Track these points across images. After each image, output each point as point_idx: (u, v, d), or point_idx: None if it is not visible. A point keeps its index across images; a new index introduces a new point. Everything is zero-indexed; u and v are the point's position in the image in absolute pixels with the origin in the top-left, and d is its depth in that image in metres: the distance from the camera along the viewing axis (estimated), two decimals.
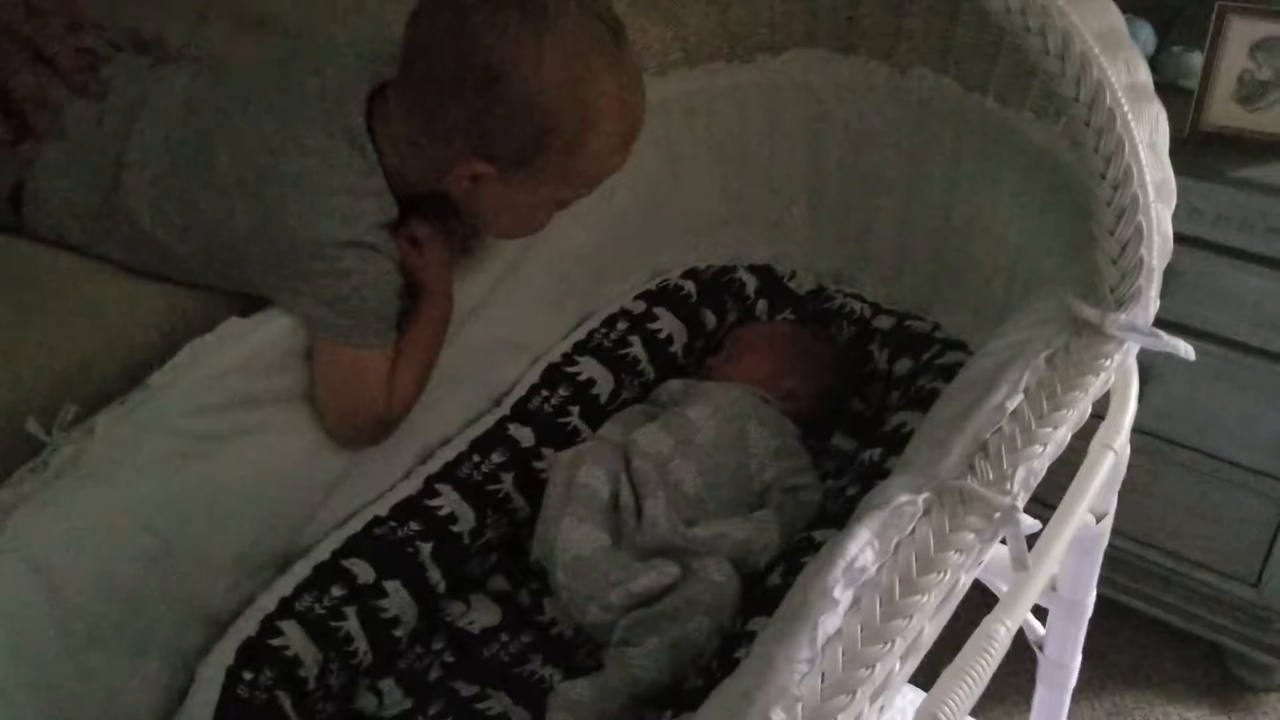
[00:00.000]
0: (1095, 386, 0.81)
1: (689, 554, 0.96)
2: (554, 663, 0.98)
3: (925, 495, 0.73)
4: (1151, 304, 0.84)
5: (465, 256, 1.07)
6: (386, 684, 0.97)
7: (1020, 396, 0.79)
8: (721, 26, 1.17)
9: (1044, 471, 0.77)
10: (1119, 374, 0.89)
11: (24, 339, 0.92)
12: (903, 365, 1.14)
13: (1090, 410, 0.83)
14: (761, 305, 1.25)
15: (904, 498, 0.72)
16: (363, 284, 0.93)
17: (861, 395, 1.18)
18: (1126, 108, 0.80)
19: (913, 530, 0.71)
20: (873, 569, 0.69)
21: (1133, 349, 0.86)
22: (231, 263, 0.96)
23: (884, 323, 1.19)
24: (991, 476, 0.74)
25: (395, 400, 0.98)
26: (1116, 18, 0.87)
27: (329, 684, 0.92)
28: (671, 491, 1.00)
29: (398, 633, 0.97)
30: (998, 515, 0.72)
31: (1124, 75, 0.83)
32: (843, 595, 0.67)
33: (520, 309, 1.13)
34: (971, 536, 0.71)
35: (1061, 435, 0.78)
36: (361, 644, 0.94)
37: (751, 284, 1.25)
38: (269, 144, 0.95)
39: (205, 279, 0.99)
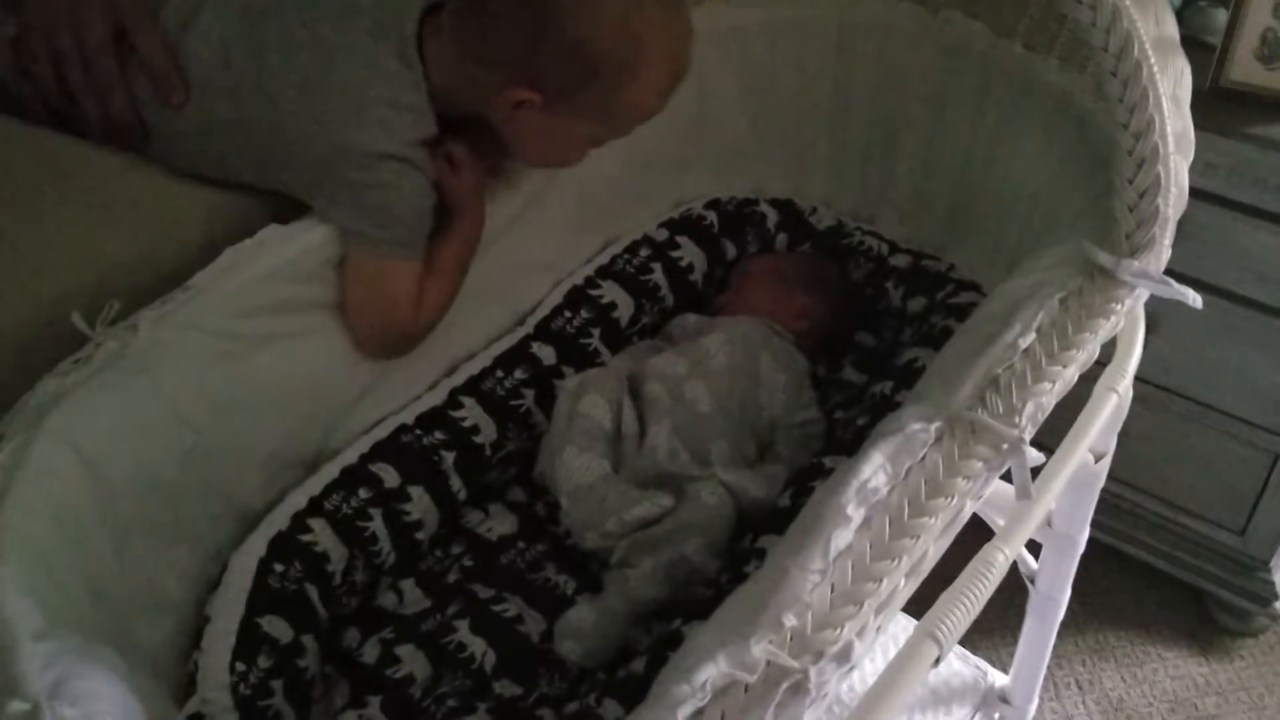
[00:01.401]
0: (1105, 329, 0.84)
1: (685, 478, 1.00)
2: (567, 571, 1.02)
3: (937, 424, 0.76)
4: (1164, 252, 0.87)
5: (494, 178, 1.09)
6: (407, 584, 1.01)
7: (1033, 335, 0.82)
8: None
9: (1051, 408, 0.81)
10: (1127, 319, 0.92)
11: (70, 234, 0.94)
12: (917, 303, 1.17)
13: (1098, 353, 0.86)
14: (781, 239, 1.28)
15: (917, 425, 0.76)
16: (397, 196, 0.96)
17: (874, 330, 1.21)
18: (1153, 60, 0.83)
19: (923, 457, 0.75)
20: (884, 490, 0.72)
21: (1142, 295, 0.89)
22: (276, 165, 0.98)
23: (900, 261, 1.22)
24: (1001, 409, 0.78)
25: (423, 312, 1.01)
26: None
27: (354, 580, 0.97)
28: (685, 410, 1.04)
29: (419, 535, 1.01)
30: (1005, 446, 0.76)
31: (1152, 27, 0.85)
32: (855, 513, 0.70)
33: (546, 231, 1.15)
34: (979, 465, 0.75)
35: (1070, 374, 0.82)
36: (385, 544, 0.99)
37: (772, 217, 1.28)
38: (320, 48, 0.96)
39: (249, 179, 1.01)
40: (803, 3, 1.18)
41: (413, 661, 0.94)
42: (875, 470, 0.73)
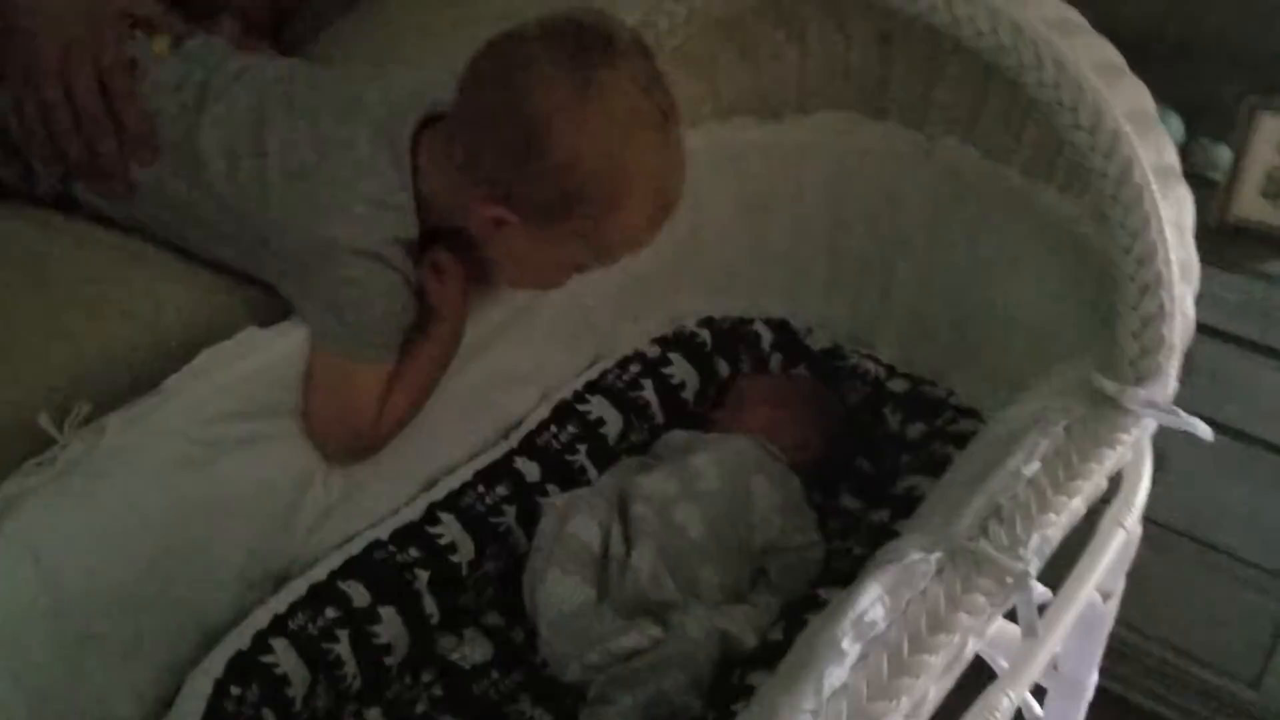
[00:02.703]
0: (1112, 460, 0.81)
1: (670, 607, 0.95)
2: (544, 704, 0.96)
3: (938, 555, 0.72)
4: (1171, 382, 0.84)
5: (482, 286, 1.07)
6: (373, 713, 0.95)
7: (1037, 464, 0.79)
8: (754, 85, 1.18)
9: (1057, 541, 0.77)
10: (1134, 452, 0.89)
11: (45, 332, 0.91)
12: (915, 429, 1.14)
13: (1105, 485, 0.83)
14: (776, 359, 1.25)
15: (916, 555, 0.72)
16: (368, 295, 0.94)
17: (871, 457, 1.17)
18: (1154, 184, 0.81)
19: (924, 589, 0.71)
20: (882, 625, 0.68)
21: (1149, 426, 0.86)
22: (257, 246, 0.97)
23: (897, 386, 1.19)
24: (1006, 541, 0.74)
25: (384, 419, 0.97)
26: (1147, 101, 0.88)
27: (315, 706, 0.91)
28: (674, 535, 0.99)
29: (388, 660, 0.96)
30: (1010, 580, 0.72)
31: (1153, 155, 0.84)
32: (851, 648, 0.66)
33: (535, 343, 1.13)
34: (983, 600, 0.71)
35: (1077, 505, 0.78)
36: (351, 668, 0.93)
37: (767, 337, 1.25)
38: (317, 140, 0.96)
39: (228, 257, 1.00)
40: (801, 126, 1.18)
41: None
42: (873, 602, 0.69)
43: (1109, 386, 0.83)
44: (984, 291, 1.12)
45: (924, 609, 0.69)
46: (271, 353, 0.94)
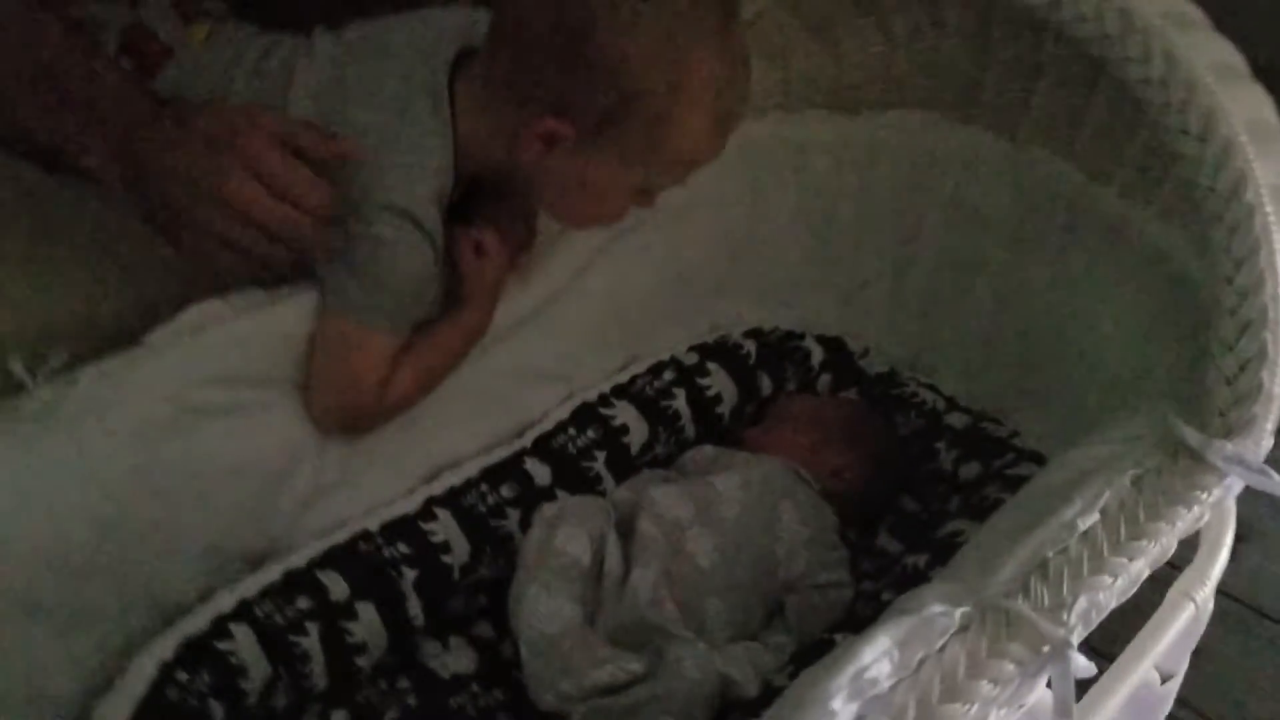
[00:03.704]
0: (1185, 521, 0.69)
1: (669, 636, 0.85)
2: None
3: (964, 609, 0.62)
4: (1266, 438, 0.73)
5: (513, 272, 0.99)
6: (339, 715, 0.87)
7: (1096, 516, 0.68)
8: (831, 74, 1.09)
9: (1109, 609, 0.66)
10: (1214, 515, 0.77)
11: (36, 277, 0.86)
12: (970, 469, 1.03)
13: (1173, 552, 0.71)
14: (825, 380, 1.15)
15: (938, 608, 0.62)
16: (390, 255, 0.86)
17: (918, 495, 1.06)
18: (1269, 207, 0.70)
19: (943, 647, 0.60)
20: (886, 684, 0.58)
21: (1234, 487, 0.74)
22: None
23: (957, 420, 1.08)
24: (1047, 602, 0.63)
25: (389, 395, 0.90)
26: (1270, 111, 0.77)
27: (272, 703, 0.84)
28: (682, 561, 0.90)
29: (361, 661, 0.88)
30: (1047, 648, 0.61)
31: (1271, 174, 0.73)
32: (844, 708, 0.56)
33: (562, 339, 1.04)
34: (1011, 667, 0.60)
35: (1137, 569, 0.67)
36: (318, 665, 0.85)
37: (818, 355, 1.15)
38: (344, 85, 0.88)
39: None
40: (876, 123, 1.08)
41: None
42: (878, 657, 0.58)
43: (1191, 436, 0.71)
44: (1063, 323, 1.01)
45: (939, 671, 0.59)
46: (272, 315, 0.87)
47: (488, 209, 0.96)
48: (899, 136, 1.08)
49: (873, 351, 1.16)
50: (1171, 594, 0.80)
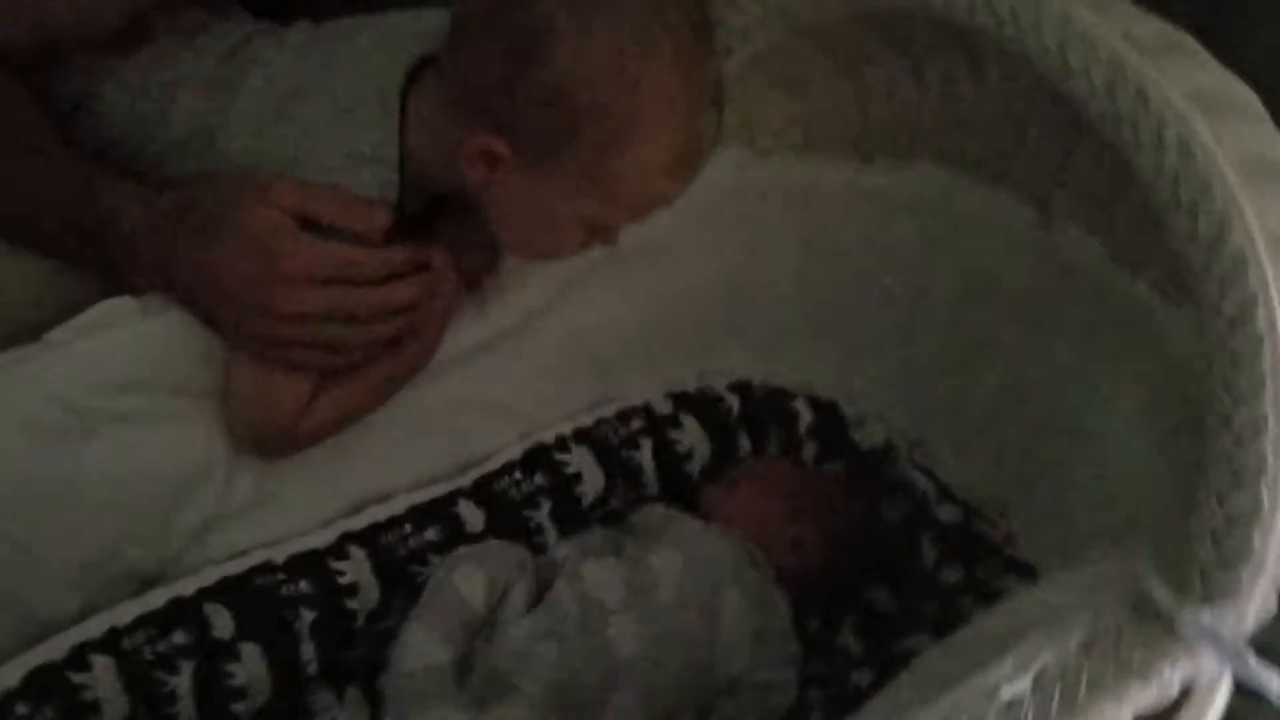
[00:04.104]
0: (1137, 699, 0.58)
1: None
2: None
3: None
4: (1252, 611, 0.61)
5: (472, 292, 0.91)
6: None
7: (1025, 684, 0.57)
8: (851, 116, 0.98)
9: None
10: (1193, 704, 0.65)
11: None
12: (952, 573, 0.92)
13: None
14: (810, 448, 1.04)
15: None
16: None
17: (894, 592, 0.96)
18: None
19: None
20: None
21: (1214, 669, 0.62)
22: None
23: (947, 513, 0.97)
24: None
25: (306, 420, 0.83)
26: None
27: None
28: (596, 646, 0.81)
29: (238, 707, 0.81)
30: None
31: None
32: None
33: (521, 372, 0.96)
34: None
35: None
36: (186, 708, 0.79)
37: (807, 418, 1.04)
38: (295, 80, 0.82)
39: None
40: (894, 174, 0.96)
41: None
42: None
43: (1162, 596, 0.60)
44: (1072, 420, 0.89)
45: None
46: (186, 318, 0.80)
47: (450, 227, 0.88)
48: (916, 191, 0.96)
49: (869, 422, 1.04)
50: None
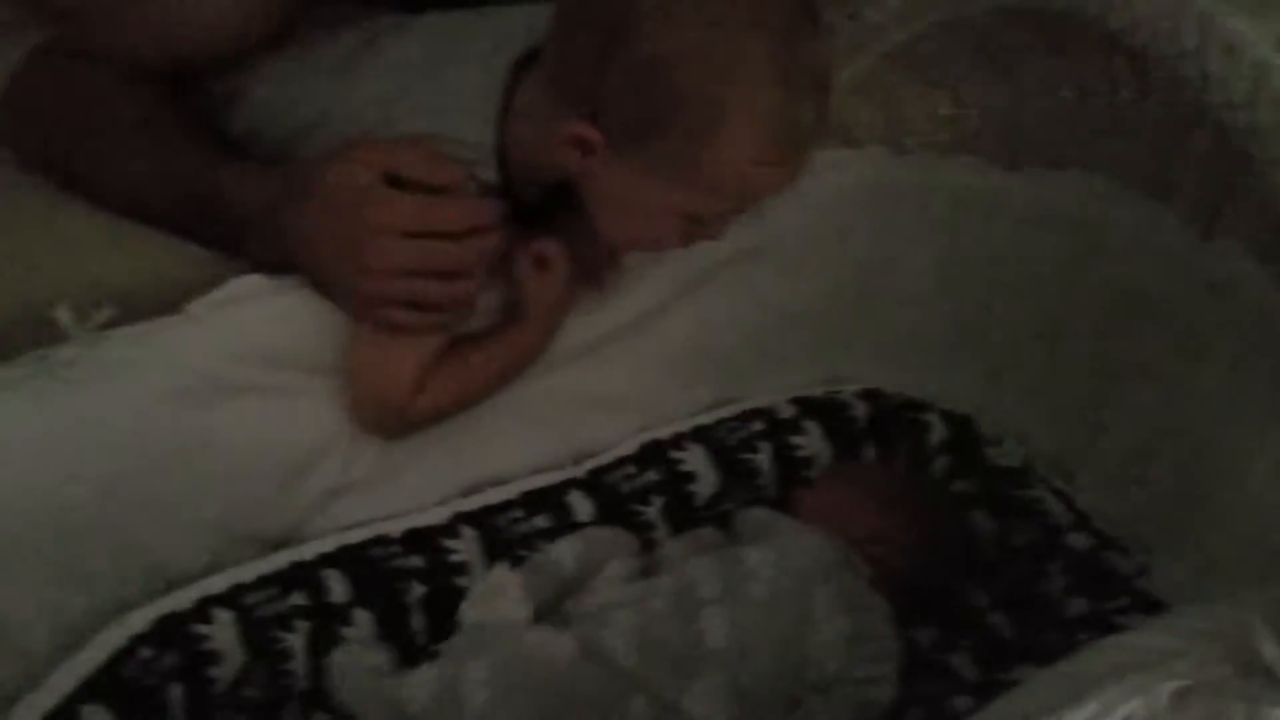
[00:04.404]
0: None
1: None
2: None
3: None
4: None
5: (591, 288, 0.92)
6: (321, 717, 0.84)
7: None
8: (1008, 117, 0.94)
9: None
10: None
11: (101, 229, 0.88)
12: (1076, 605, 0.87)
13: None
14: (941, 463, 1.00)
15: None
16: None
17: (1018, 619, 0.91)
18: None
19: None
20: None
21: None
22: None
23: (1078, 542, 0.91)
24: None
25: (421, 400, 0.85)
26: None
27: (243, 694, 0.81)
28: (685, 634, 0.81)
29: None
30: None
31: None
32: None
33: (642, 368, 0.96)
34: None
35: None
36: (300, 665, 0.82)
37: (939, 433, 1.01)
38: (414, 67, 0.85)
39: None
40: (1043, 182, 0.92)
41: None
42: None
43: (1270, 652, 0.55)
44: (1221, 453, 0.84)
45: None
46: (314, 297, 0.84)
47: (569, 220, 0.89)
48: (1067, 200, 0.92)
49: (1007, 441, 1.00)
50: None
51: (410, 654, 0.87)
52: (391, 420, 0.87)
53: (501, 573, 0.85)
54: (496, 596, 0.83)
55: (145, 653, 0.78)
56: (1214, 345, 0.84)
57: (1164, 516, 0.89)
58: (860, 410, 1.02)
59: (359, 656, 0.82)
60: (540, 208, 0.88)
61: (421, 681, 0.78)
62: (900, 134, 0.96)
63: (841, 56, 0.83)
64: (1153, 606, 0.83)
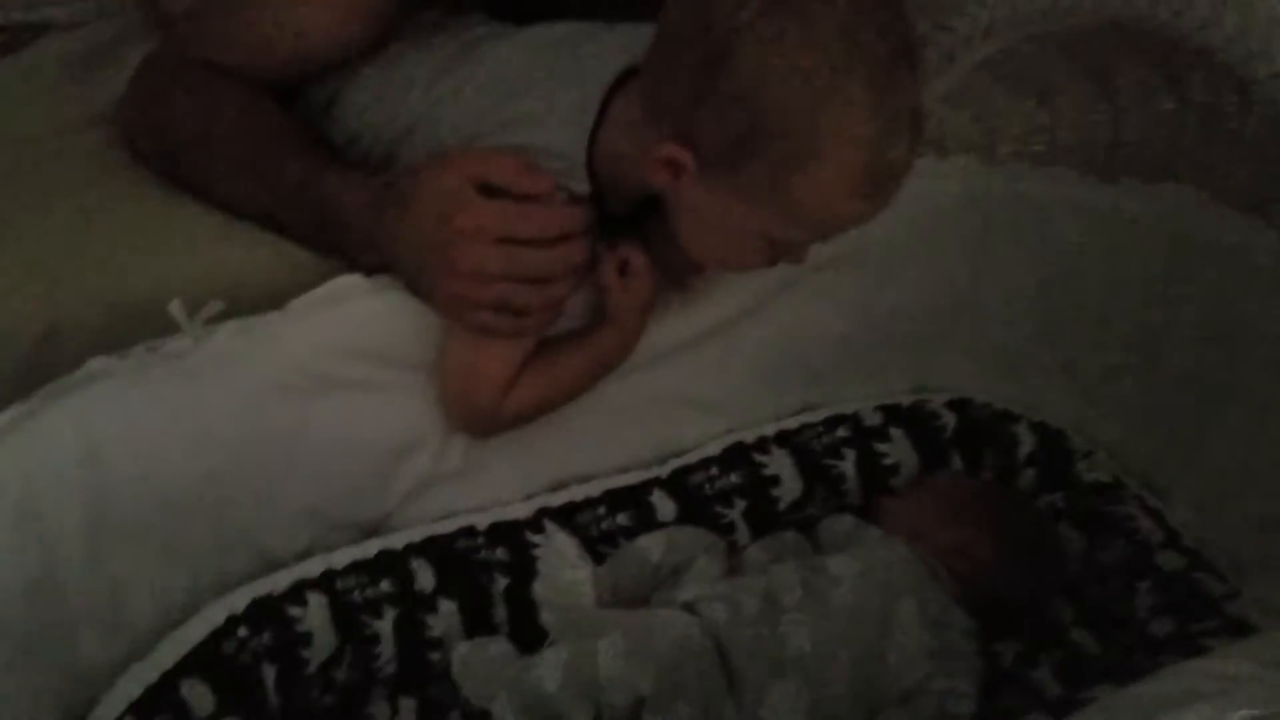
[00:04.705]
0: None
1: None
2: None
3: None
4: None
5: (679, 292, 0.93)
6: (408, 703, 0.87)
7: None
8: (1105, 127, 0.93)
9: None
10: None
11: (196, 238, 0.92)
12: (1163, 625, 0.86)
13: None
14: (1028, 475, 1.00)
15: None
16: None
17: (1102, 637, 0.90)
18: None
19: None
20: None
21: None
22: None
23: (1169, 561, 0.90)
24: None
25: (510, 402, 0.87)
26: None
27: (334, 676, 0.85)
28: (768, 640, 0.81)
29: (434, 656, 0.87)
30: None
31: None
32: None
33: (729, 372, 0.97)
34: None
35: None
36: (387, 649, 0.86)
37: (1028, 445, 1.00)
38: (516, 77, 0.87)
39: None
40: (1134, 195, 0.91)
41: None
42: None
43: None
44: None
45: None
46: (408, 297, 0.86)
47: (656, 224, 0.91)
48: (1164, 214, 0.90)
49: (1098, 454, 0.98)
50: None
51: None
52: (481, 421, 0.90)
53: (563, 539, 0.88)
54: (559, 560, 0.87)
55: (242, 632, 0.82)
56: None
57: (1258, 538, 0.87)
58: (948, 420, 1.01)
59: (483, 647, 0.85)
60: (628, 217, 0.89)
61: (553, 662, 0.80)
62: (993, 144, 0.95)
63: (933, 67, 0.83)
64: (1242, 629, 0.82)
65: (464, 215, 0.80)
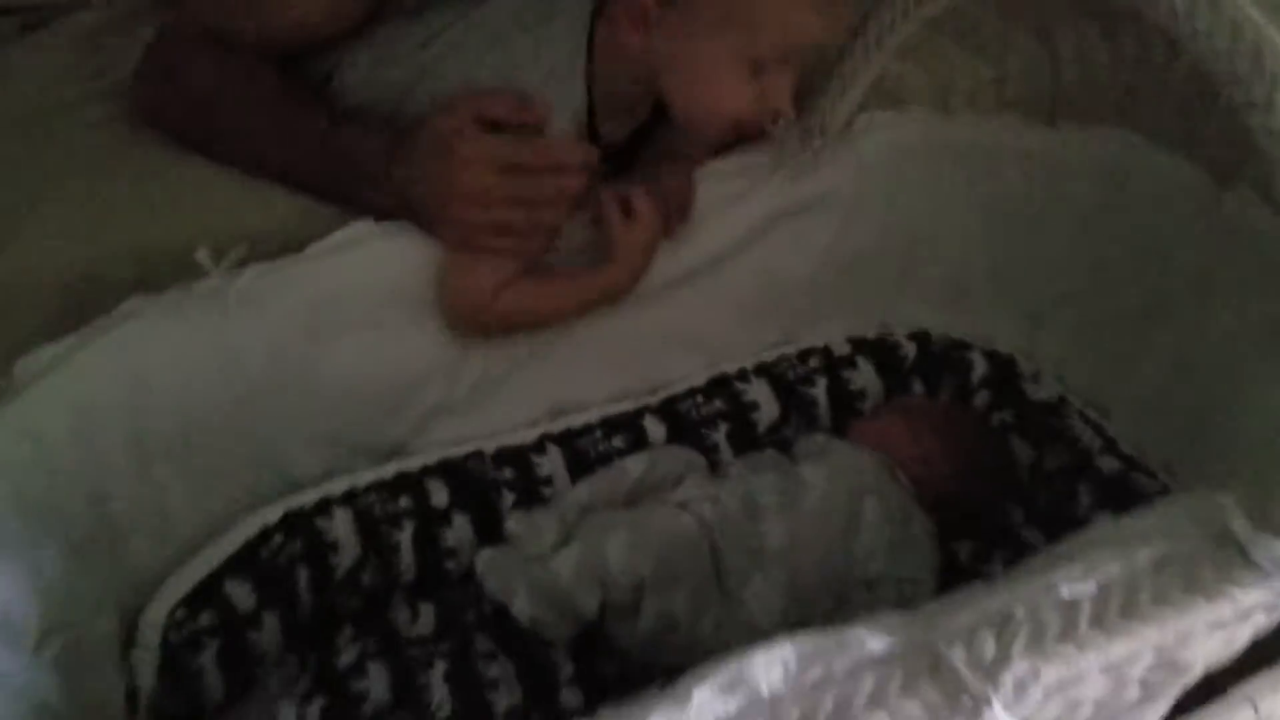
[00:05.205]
0: (1200, 614, 0.62)
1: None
2: (585, 660, 0.92)
3: (895, 639, 0.60)
4: None
5: (668, 237, 1.02)
6: (426, 607, 0.95)
7: (1089, 587, 0.62)
8: (1047, 79, 1.03)
9: (1072, 686, 0.61)
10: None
11: (216, 194, 0.99)
12: (1102, 519, 0.95)
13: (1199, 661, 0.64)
14: (982, 396, 1.10)
15: (866, 632, 0.60)
16: None
17: (1048, 535, 1.00)
18: None
19: (852, 672, 0.59)
20: (771, 690, 0.58)
21: None
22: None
23: (1107, 465, 1.00)
24: (991, 656, 0.60)
25: (501, 304, 0.94)
26: None
27: (360, 581, 0.94)
28: (750, 536, 0.91)
29: (450, 565, 0.96)
30: (967, 699, 0.58)
31: None
32: (711, 700, 0.56)
33: (713, 308, 1.06)
34: (918, 711, 0.58)
35: (1118, 653, 0.61)
36: (407, 558, 0.95)
37: (980, 370, 1.10)
38: (510, 17, 0.94)
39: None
40: (1072, 140, 1.00)
41: (376, 681, 0.89)
42: (772, 661, 0.58)
43: (1240, 527, 0.64)
44: (1239, 384, 0.91)
45: (833, 692, 0.58)
46: (415, 239, 0.94)
47: (647, 171, 1.00)
48: (1096, 155, 1.00)
49: (1045, 376, 1.08)
50: (1234, 693, 0.72)
51: None
52: (472, 319, 0.96)
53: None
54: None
55: (277, 540, 0.90)
56: (1229, 289, 0.91)
57: (1189, 443, 0.96)
58: (909, 349, 1.11)
59: (503, 551, 0.94)
60: (622, 153, 0.98)
61: (567, 556, 0.89)
62: (945, 96, 1.04)
63: (887, 24, 0.92)
64: None
65: (466, 146, 0.88)
